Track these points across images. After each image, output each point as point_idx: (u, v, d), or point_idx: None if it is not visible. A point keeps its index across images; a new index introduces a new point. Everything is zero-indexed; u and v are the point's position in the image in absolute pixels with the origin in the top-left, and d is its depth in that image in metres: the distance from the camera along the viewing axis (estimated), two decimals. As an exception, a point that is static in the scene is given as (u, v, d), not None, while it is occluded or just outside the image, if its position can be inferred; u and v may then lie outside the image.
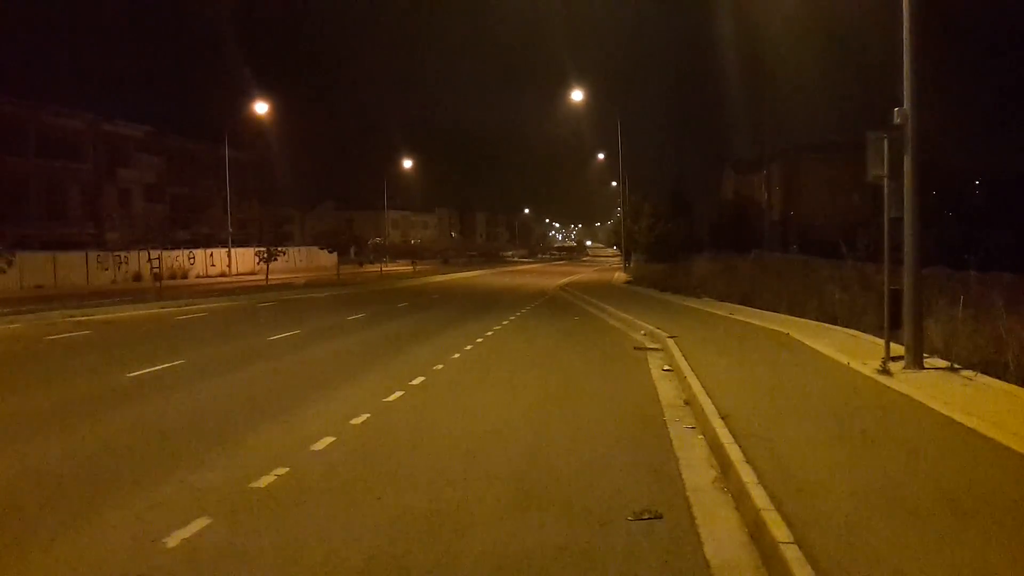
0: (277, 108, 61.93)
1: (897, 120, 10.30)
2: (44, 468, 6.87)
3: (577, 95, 47.19)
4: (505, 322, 20.08)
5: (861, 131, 10.63)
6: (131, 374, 11.75)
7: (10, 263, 32.90)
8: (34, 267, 36.53)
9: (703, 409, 8.37)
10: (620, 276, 43.69)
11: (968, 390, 9.05)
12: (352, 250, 57.25)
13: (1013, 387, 9.05)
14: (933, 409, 8.09)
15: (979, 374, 9.72)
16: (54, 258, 38.39)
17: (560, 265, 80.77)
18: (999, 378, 9.48)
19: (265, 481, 6.30)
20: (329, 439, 7.64)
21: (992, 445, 6.73)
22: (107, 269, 41.22)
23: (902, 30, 10.27)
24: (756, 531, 5.07)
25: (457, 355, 13.78)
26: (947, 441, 6.94)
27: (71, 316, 21.42)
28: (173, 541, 5.03)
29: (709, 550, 4.93)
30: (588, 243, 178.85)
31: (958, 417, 7.65)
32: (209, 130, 58.25)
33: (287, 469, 6.61)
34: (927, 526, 4.87)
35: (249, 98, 49.42)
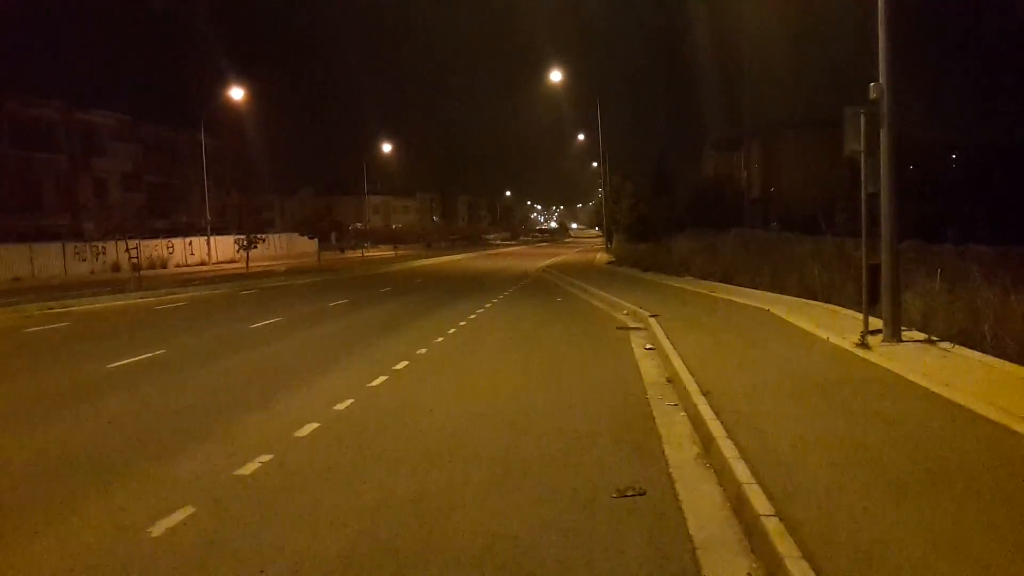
0: (254, 94, 61.46)
1: (873, 95, 10.36)
2: (24, 461, 6.83)
3: (556, 76, 47.09)
4: (488, 305, 20.08)
5: (839, 107, 10.68)
6: (111, 365, 11.66)
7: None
8: (10, 259, 36.10)
9: (685, 386, 8.43)
10: (602, 257, 43.77)
11: (946, 362, 9.17)
12: (333, 236, 57.06)
13: (990, 358, 9.18)
14: (911, 381, 8.20)
15: (956, 346, 9.85)
16: (31, 249, 37.92)
17: (543, 247, 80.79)
18: (976, 349, 9.62)
19: (249, 468, 6.29)
20: (313, 425, 7.63)
21: (969, 415, 6.83)
22: (85, 260, 40.78)
23: (876, 4, 10.31)
24: (738, 505, 5.13)
25: (440, 339, 13.78)
26: (925, 412, 7.04)
27: (50, 308, 21.22)
28: (157, 530, 5.02)
29: (692, 525, 4.99)
30: (574, 225, 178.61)
31: (936, 389, 7.76)
32: (185, 118, 57.63)
33: (271, 456, 6.61)
34: (905, 496, 4.95)
35: (225, 85, 48.67)
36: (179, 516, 5.25)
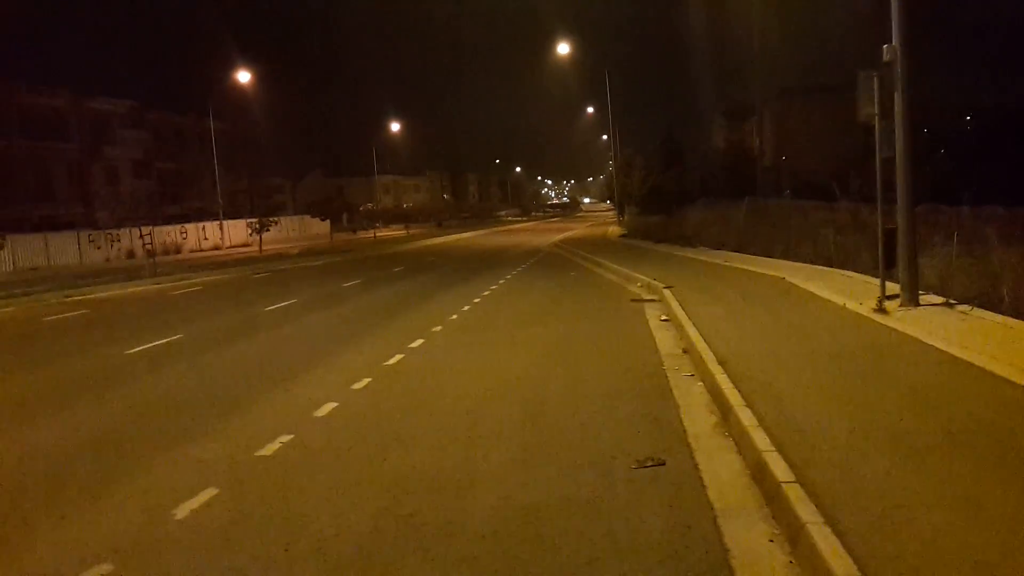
0: (261, 78, 61.34)
1: (887, 58, 10.20)
2: (49, 447, 6.91)
3: (564, 48, 46.70)
4: (501, 281, 20.07)
5: (852, 72, 10.53)
6: (130, 351, 11.76)
7: (2, 246, 32.85)
8: (27, 249, 36.39)
9: (701, 356, 8.41)
10: (614, 230, 43.62)
11: (964, 324, 9.10)
12: (345, 217, 57.16)
13: (1009, 319, 9.10)
14: (930, 345, 8.14)
15: (975, 308, 9.77)
16: (46, 239, 38.19)
17: (554, 222, 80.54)
18: (995, 311, 9.53)
19: (270, 449, 6.35)
20: (332, 405, 7.68)
21: (989, 377, 6.78)
22: (100, 248, 41.04)
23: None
24: (758, 472, 5.12)
25: (455, 316, 13.80)
26: (944, 375, 6.99)
27: (67, 296, 21.38)
28: (181, 513, 5.07)
29: (713, 493, 4.99)
30: (586, 200, 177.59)
31: (955, 351, 7.70)
32: (193, 103, 57.64)
33: (291, 436, 6.66)
34: (925, 459, 4.93)
35: (233, 68, 48.51)
36: (203, 498, 5.30)
